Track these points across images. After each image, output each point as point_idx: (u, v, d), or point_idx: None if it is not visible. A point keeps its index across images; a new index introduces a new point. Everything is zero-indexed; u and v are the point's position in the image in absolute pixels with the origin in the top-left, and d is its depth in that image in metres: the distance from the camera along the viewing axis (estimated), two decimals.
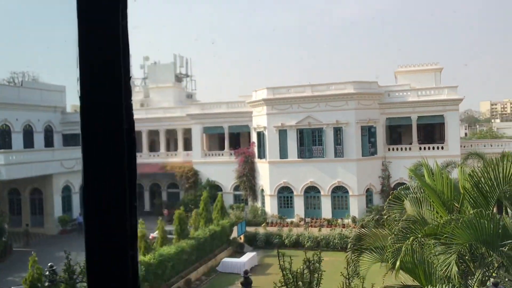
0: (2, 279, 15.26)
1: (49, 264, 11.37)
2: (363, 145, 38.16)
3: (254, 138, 42.01)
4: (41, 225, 38.56)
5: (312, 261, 8.58)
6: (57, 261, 10.10)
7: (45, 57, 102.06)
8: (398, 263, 7.78)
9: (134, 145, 1.15)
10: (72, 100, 57.88)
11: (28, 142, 45.00)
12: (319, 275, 8.54)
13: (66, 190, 40.28)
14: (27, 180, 37.37)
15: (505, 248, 7.11)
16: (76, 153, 41.79)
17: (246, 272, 9.91)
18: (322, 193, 38.25)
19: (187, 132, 46.38)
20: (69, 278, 9.06)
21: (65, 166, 39.32)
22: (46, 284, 10.43)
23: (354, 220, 36.58)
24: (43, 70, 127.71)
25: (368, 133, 38.49)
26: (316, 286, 8.52)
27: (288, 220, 38.00)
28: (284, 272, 8.56)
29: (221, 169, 43.13)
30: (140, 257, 22.42)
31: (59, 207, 39.18)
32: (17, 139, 43.69)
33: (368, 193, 38.32)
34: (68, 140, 49.42)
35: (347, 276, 9.75)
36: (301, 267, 8.65)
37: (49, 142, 47.43)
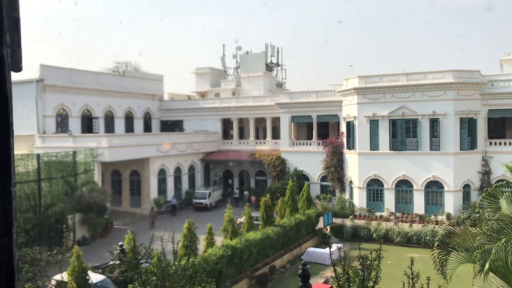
0: (104, 252, 16.87)
1: (119, 243, 12.05)
2: (461, 138, 35.80)
3: (343, 128, 41.13)
4: (139, 205, 41.17)
5: (369, 258, 8.14)
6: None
7: (145, 49, 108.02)
8: (487, 265, 7.17)
9: (8, 123, 1.07)
10: (169, 89, 60.85)
11: (129, 127, 48.30)
12: (377, 272, 8.07)
13: (162, 173, 42.50)
14: (127, 162, 40.05)
15: None
16: (171, 138, 44.05)
17: (304, 264, 9.66)
18: (414, 187, 36.57)
19: (276, 121, 46.69)
20: (134, 258, 9.52)
21: (161, 150, 41.50)
22: (117, 262, 11.10)
23: (448, 217, 34.61)
24: (143, 60, 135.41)
25: (468, 126, 36.00)
26: (374, 284, 8.06)
27: (377, 213, 36.89)
28: (335, 268, 8.28)
29: (308, 159, 42.90)
30: (227, 241, 23.06)
31: (154, 189, 41.49)
32: (119, 124, 47.09)
33: (466, 189, 35.97)
34: (164, 126, 52.20)
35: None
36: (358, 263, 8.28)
37: (147, 128, 50.49)
